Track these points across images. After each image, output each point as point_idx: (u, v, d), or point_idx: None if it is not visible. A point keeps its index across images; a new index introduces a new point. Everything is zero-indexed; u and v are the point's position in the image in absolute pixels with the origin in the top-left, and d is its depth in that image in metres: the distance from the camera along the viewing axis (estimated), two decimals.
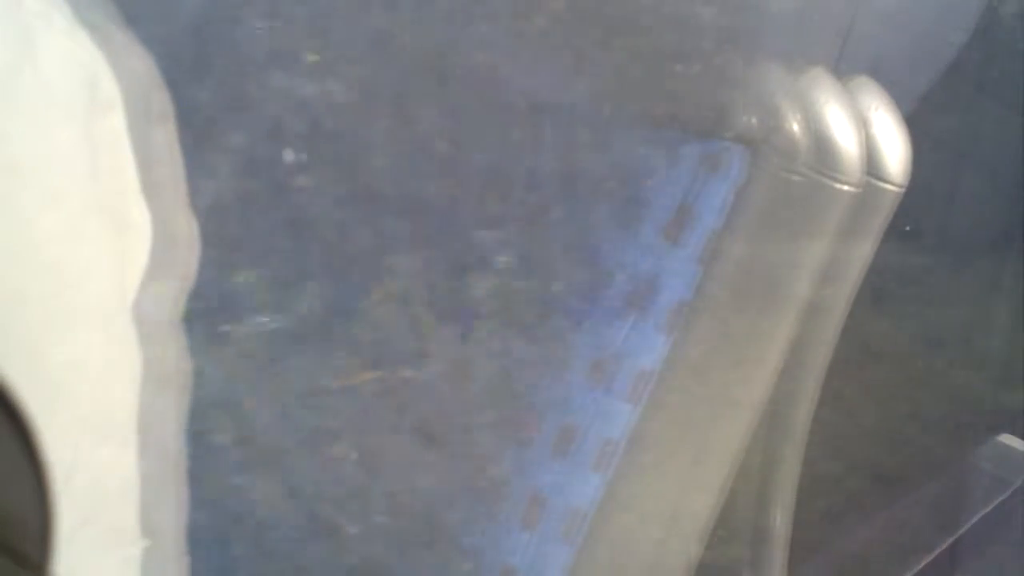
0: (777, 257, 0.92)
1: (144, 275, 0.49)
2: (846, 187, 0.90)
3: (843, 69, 0.97)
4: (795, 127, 0.87)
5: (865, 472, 1.77)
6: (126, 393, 0.49)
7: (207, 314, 0.70)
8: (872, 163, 0.94)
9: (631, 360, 0.89)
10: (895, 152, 0.97)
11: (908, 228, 1.24)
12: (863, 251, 1.00)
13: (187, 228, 0.54)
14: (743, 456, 1.01)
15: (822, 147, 0.89)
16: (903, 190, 0.98)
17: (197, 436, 0.72)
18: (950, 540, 1.67)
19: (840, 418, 1.71)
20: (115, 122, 0.48)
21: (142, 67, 0.50)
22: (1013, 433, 1.95)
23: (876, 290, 1.10)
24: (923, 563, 1.60)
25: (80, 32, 0.46)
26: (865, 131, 0.93)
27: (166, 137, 0.52)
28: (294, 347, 0.83)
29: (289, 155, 0.79)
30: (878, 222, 0.98)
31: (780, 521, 1.11)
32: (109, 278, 0.48)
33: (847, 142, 0.90)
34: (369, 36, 0.77)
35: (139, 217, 0.50)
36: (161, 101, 0.52)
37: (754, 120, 0.87)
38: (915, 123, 1.02)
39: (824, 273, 0.96)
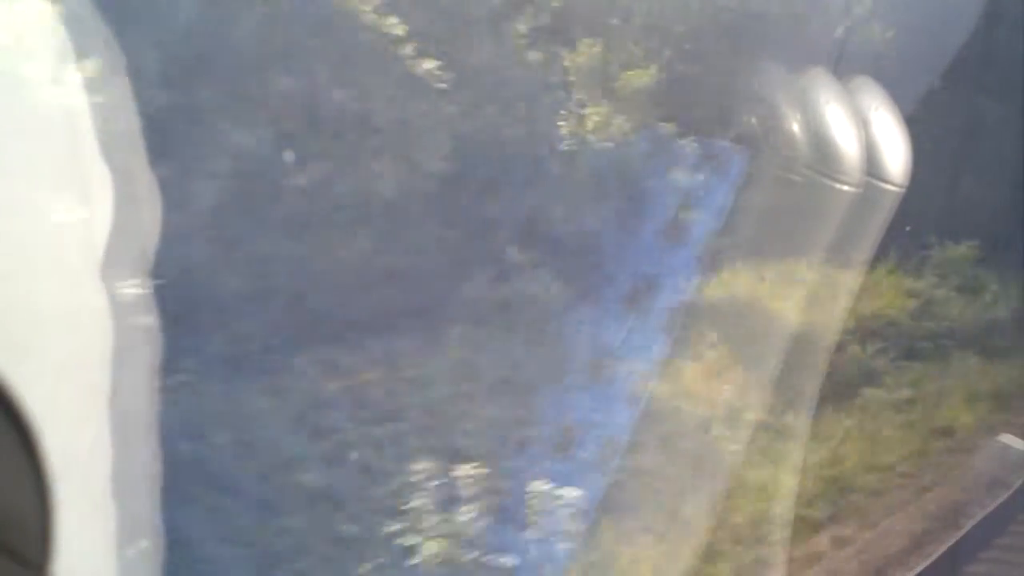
0: (777, 256, 0.92)
1: (109, 233, 0.49)
2: (846, 187, 0.90)
3: (843, 69, 0.97)
4: (795, 127, 0.87)
5: (865, 472, 1.76)
6: (96, 346, 0.49)
7: (207, 315, 0.70)
8: (872, 163, 0.94)
9: (631, 360, 0.89)
10: (895, 152, 0.97)
11: (908, 228, 1.24)
12: (863, 250, 1.00)
13: (147, 186, 0.54)
14: (743, 455, 1.00)
15: (822, 147, 0.88)
16: (903, 190, 0.98)
17: (197, 437, 0.72)
18: (951, 542, 1.67)
19: (840, 419, 1.70)
20: (69, 76, 0.47)
21: (90, 20, 0.50)
22: (1013, 433, 1.94)
23: (876, 289, 1.10)
24: (924, 565, 1.59)
25: None
26: (865, 131, 0.93)
27: (120, 91, 0.52)
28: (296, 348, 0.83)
29: (288, 156, 0.79)
30: (877, 222, 0.98)
31: (780, 521, 1.10)
32: (74, 234, 0.48)
33: (847, 142, 0.90)
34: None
35: (99, 175, 0.49)
36: (112, 54, 0.51)
37: (754, 120, 0.87)
38: (915, 123, 1.02)
39: (824, 273, 0.95)
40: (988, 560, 1.72)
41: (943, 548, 1.67)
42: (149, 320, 0.53)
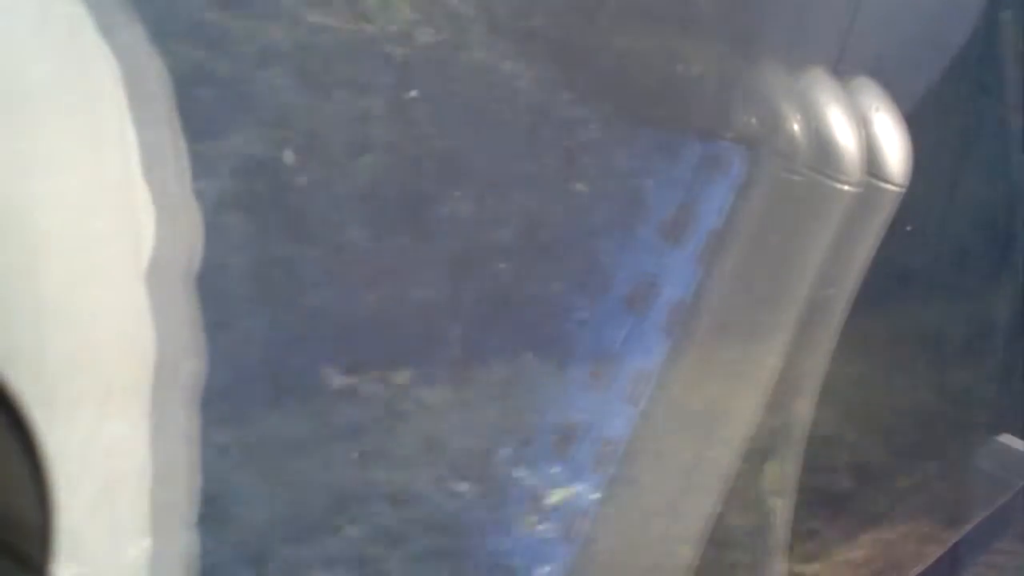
0: (777, 257, 0.92)
1: (152, 251, 0.49)
2: (846, 187, 0.90)
3: (843, 69, 0.97)
4: (795, 127, 0.87)
5: (865, 473, 1.77)
6: (140, 368, 0.49)
7: (206, 315, 0.70)
8: (872, 163, 0.94)
9: (631, 360, 0.89)
10: (895, 152, 0.97)
11: (908, 228, 1.24)
12: (863, 250, 1.00)
13: (189, 208, 0.54)
14: (743, 456, 1.01)
15: (822, 147, 0.89)
16: (903, 190, 0.98)
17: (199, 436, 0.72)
18: (951, 543, 1.67)
19: (839, 419, 1.71)
20: (119, 95, 0.48)
21: (135, 40, 0.50)
22: (1013, 433, 1.95)
23: (876, 290, 1.10)
24: (925, 566, 1.60)
25: (78, 5, 0.46)
26: (865, 131, 0.93)
27: (165, 114, 0.52)
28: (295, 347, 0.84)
29: (289, 156, 0.79)
30: (878, 222, 0.98)
31: (780, 520, 1.11)
32: (121, 250, 0.48)
33: (847, 142, 0.90)
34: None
35: (143, 197, 0.50)
36: (157, 75, 0.51)
37: (754, 120, 0.87)
38: (915, 123, 1.02)
39: (824, 272, 0.96)
40: (989, 561, 1.73)
41: (943, 549, 1.67)
42: (194, 330, 0.53)
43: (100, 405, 0.47)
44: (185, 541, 0.54)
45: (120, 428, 0.49)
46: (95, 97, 0.48)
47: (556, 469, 0.91)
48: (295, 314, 0.84)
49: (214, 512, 0.78)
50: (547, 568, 0.91)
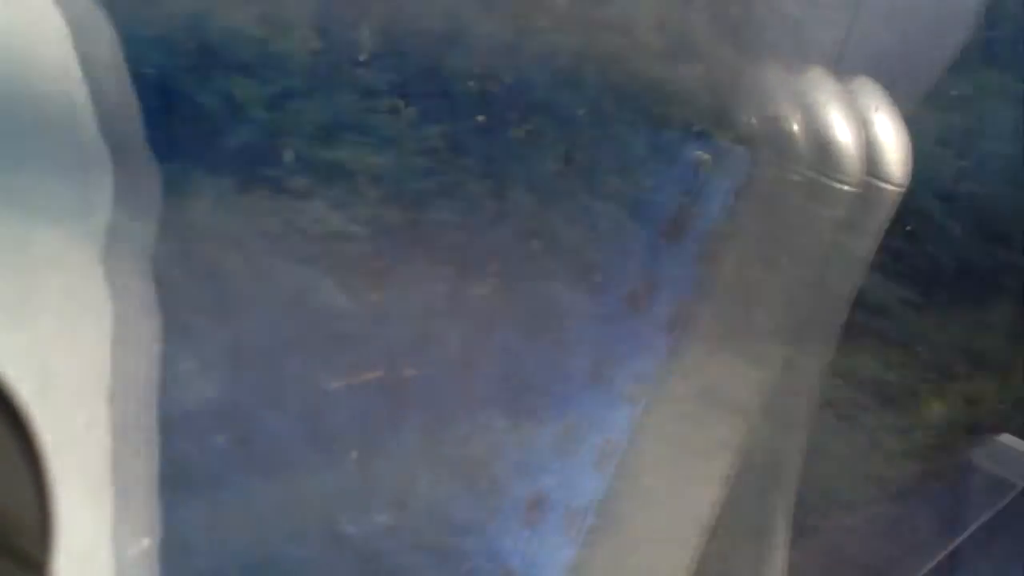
0: (777, 257, 0.92)
1: (109, 220, 0.49)
2: (846, 187, 0.90)
3: (843, 69, 0.97)
4: (795, 127, 0.87)
5: (865, 473, 1.76)
6: (97, 342, 0.49)
7: (206, 314, 0.70)
8: (872, 163, 0.94)
9: (631, 360, 0.89)
10: (895, 152, 0.97)
11: (908, 228, 1.24)
12: (863, 251, 1.00)
13: (146, 163, 0.54)
14: (743, 455, 1.00)
15: (822, 147, 0.88)
16: (903, 190, 0.98)
17: (196, 436, 0.72)
18: (951, 545, 1.67)
19: (839, 419, 1.70)
20: (64, 49, 0.48)
21: (93, 12, 0.50)
22: (1013, 433, 1.95)
23: (875, 290, 1.10)
24: (925, 567, 1.60)
25: None
26: (865, 131, 0.93)
27: (113, 63, 0.51)
28: (294, 346, 0.83)
29: (288, 156, 0.79)
30: (878, 222, 0.98)
31: (780, 521, 1.11)
32: (75, 221, 0.48)
33: (847, 142, 0.90)
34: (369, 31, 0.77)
35: (97, 153, 0.49)
36: (101, 24, 0.51)
37: (754, 120, 0.87)
38: (915, 123, 1.02)
39: (824, 273, 0.96)
40: (990, 563, 1.73)
41: (944, 550, 1.67)
42: (150, 310, 0.52)
43: (57, 376, 0.47)
44: (151, 540, 0.54)
45: (76, 399, 0.49)
46: (41, 49, 0.47)
47: (555, 468, 0.91)
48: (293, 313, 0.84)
49: (212, 512, 0.78)
50: (547, 568, 0.91)
